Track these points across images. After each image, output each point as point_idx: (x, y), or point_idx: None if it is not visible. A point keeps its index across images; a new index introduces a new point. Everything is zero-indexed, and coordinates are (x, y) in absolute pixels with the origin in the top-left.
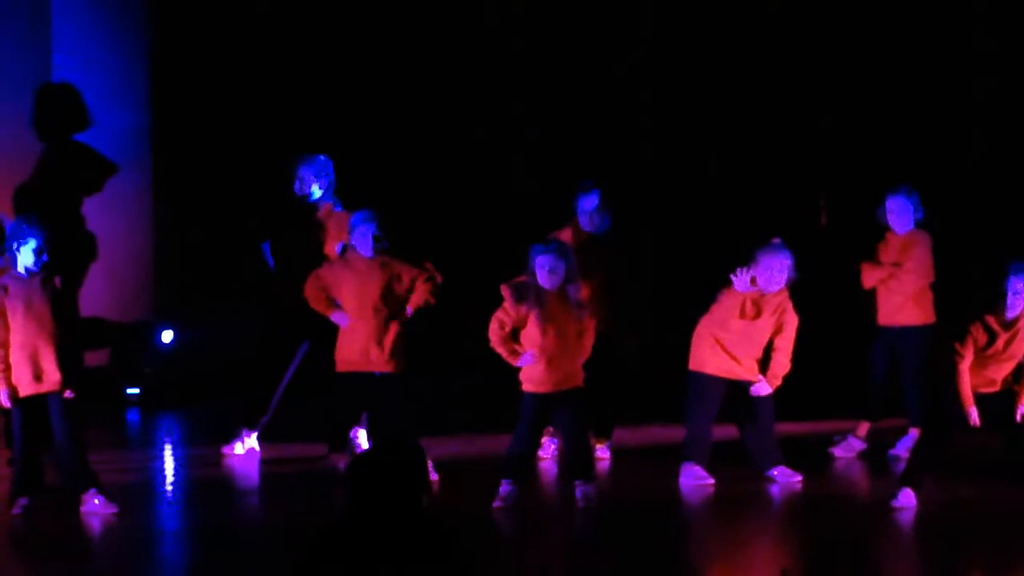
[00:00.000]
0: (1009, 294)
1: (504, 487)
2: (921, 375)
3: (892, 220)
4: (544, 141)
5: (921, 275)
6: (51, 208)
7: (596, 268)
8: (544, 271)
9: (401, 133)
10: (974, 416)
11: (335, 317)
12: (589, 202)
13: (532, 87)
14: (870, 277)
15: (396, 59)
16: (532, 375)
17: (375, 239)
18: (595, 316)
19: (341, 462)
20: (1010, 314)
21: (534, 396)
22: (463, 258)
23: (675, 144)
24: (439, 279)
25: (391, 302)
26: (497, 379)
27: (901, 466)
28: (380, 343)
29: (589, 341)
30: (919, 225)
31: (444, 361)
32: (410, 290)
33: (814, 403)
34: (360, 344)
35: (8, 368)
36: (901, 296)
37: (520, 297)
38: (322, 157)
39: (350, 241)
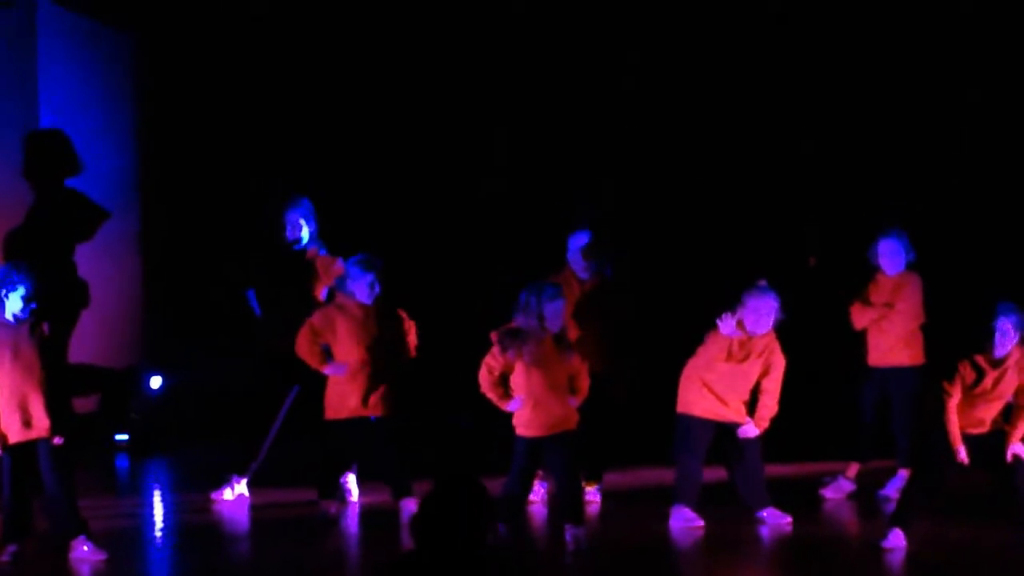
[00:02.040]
0: (997, 333)
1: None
2: (911, 416)
3: (883, 262)
4: (532, 181)
5: (912, 316)
6: (43, 255)
7: (591, 311)
8: (557, 317)
9: (391, 175)
10: (962, 454)
11: (329, 370)
12: (580, 242)
13: (518, 129)
14: (861, 318)
15: (383, 100)
16: (522, 419)
17: (372, 285)
18: (587, 358)
19: (332, 507)
20: (998, 353)
21: (525, 440)
22: (453, 301)
23: (660, 186)
24: (413, 331)
25: (387, 347)
26: (490, 422)
27: (891, 507)
28: (375, 389)
29: (584, 383)
30: (910, 266)
31: (436, 404)
32: (403, 335)
33: (804, 444)
34: (355, 390)
35: None
36: (892, 337)
37: (506, 344)
38: (305, 200)
39: (346, 286)
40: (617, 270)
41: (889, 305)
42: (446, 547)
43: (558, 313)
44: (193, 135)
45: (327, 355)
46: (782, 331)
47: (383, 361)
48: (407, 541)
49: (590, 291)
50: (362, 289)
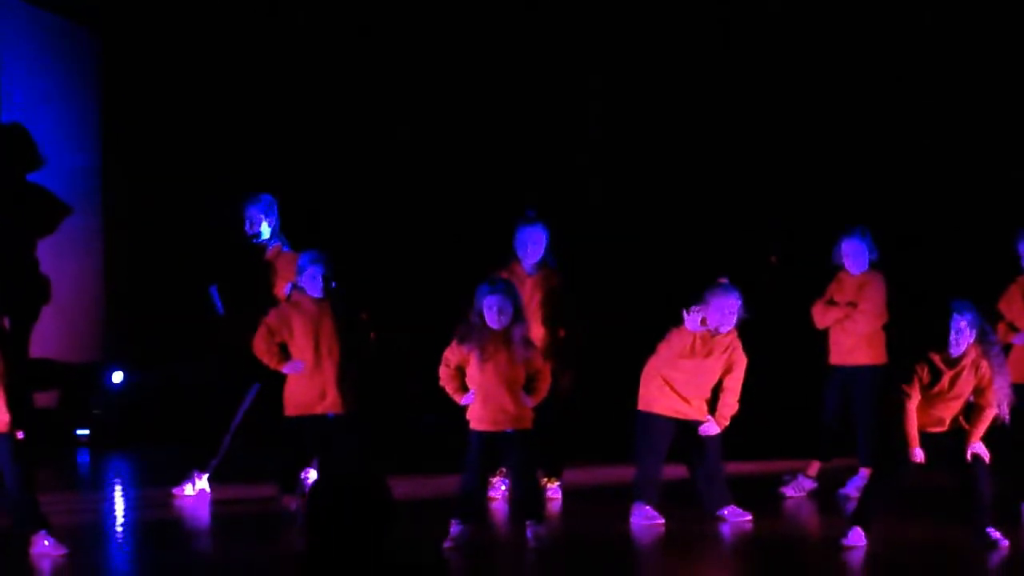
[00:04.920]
0: (952, 332)
1: (455, 527)
2: (872, 415)
3: (847, 261)
4: (492, 178)
5: (875, 316)
6: (3, 250)
7: (539, 305)
8: (493, 311)
9: (352, 172)
10: (919, 455)
11: (287, 368)
12: (530, 235)
13: (481, 123)
14: (825, 317)
15: (351, 95)
16: (474, 413)
17: (324, 280)
18: (548, 357)
19: (292, 503)
20: (954, 352)
21: (477, 434)
22: (415, 295)
23: (624, 181)
24: (372, 336)
25: (343, 342)
26: (449, 418)
27: (851, 505)
28: (333, 384)
29: (544, 383)
30: (873, 266)
31: (395, 400)
32: (362, 329)
33: (765, 442)
34: (312, 387)
35: None
36: (855, 336)
37: (463, 337)
38: (267, 196)
39: (298, 282)
40: (560, 260)
41: (852, 304)
42: (336, 551)
43: (493, 307)
44: (156, 131)
45: (284, 353)
46: (744, 329)
47: (338, 357)
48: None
49: (539, 283)
50: (312, 283)
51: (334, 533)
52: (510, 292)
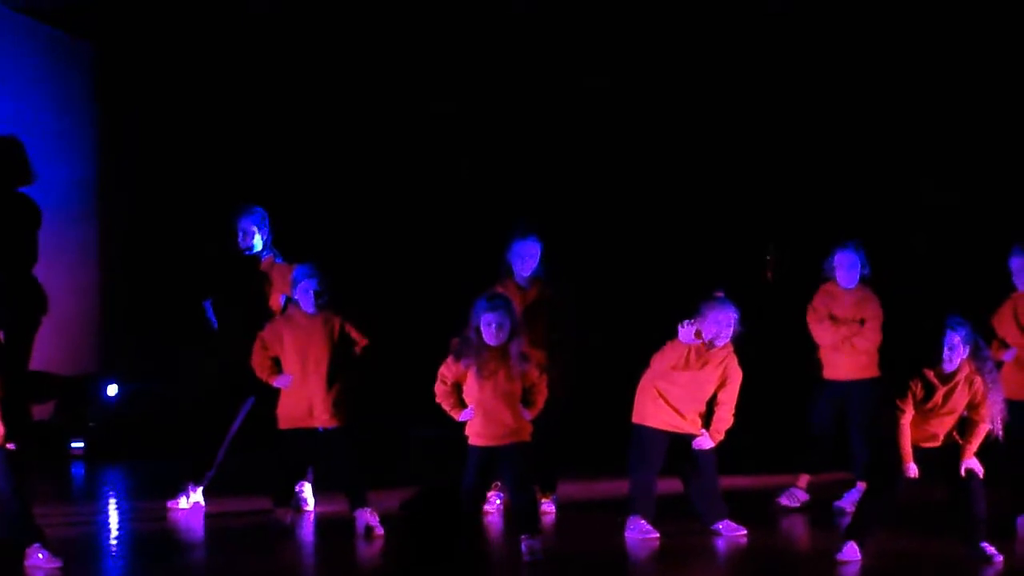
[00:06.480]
0: (945, 348)
1: None
2: (868, 429)
3: (840, 275)
4: (486, 188)
5: (877, 331)
6: (2, 262)
7: (533, 318)
8: (492, 328)
9: (357, 182)
10: (912, 470)
11: (277, 382)
12: (525, 247)
13: (474, 132)
14: (831, 334)
15: (345, 108)
16: (473, 428)
17: (316, 294)
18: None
19: (287, 516)
20: (948, 368)
21: (476, 449)
22: (411, 308)
23: (619, 192)
24: (364, 342)
25: (334, 356)
26: (445, 432)
27: (846, 519)
28: (324, 398)
29: (540, 396)
30: (863, 280)
31: (390, 413)
32: (352, 343)
33: (759, 456)
34: (304, 400)
35: None
36: (857, 351)
37: (460, 353)
38: (260, 208)
39: (292, 295)
40: (550, 270)
41: (861, 321)
42: (424, 564)
43: (491, 324)
44: (151, 144)
45: (277, 367)
46: (738, 343)
47: (329, 371)
48: (362, 551)
49: (534, 296)
50: (305, 298)
51: (430, 537)
52: (509, 309)
